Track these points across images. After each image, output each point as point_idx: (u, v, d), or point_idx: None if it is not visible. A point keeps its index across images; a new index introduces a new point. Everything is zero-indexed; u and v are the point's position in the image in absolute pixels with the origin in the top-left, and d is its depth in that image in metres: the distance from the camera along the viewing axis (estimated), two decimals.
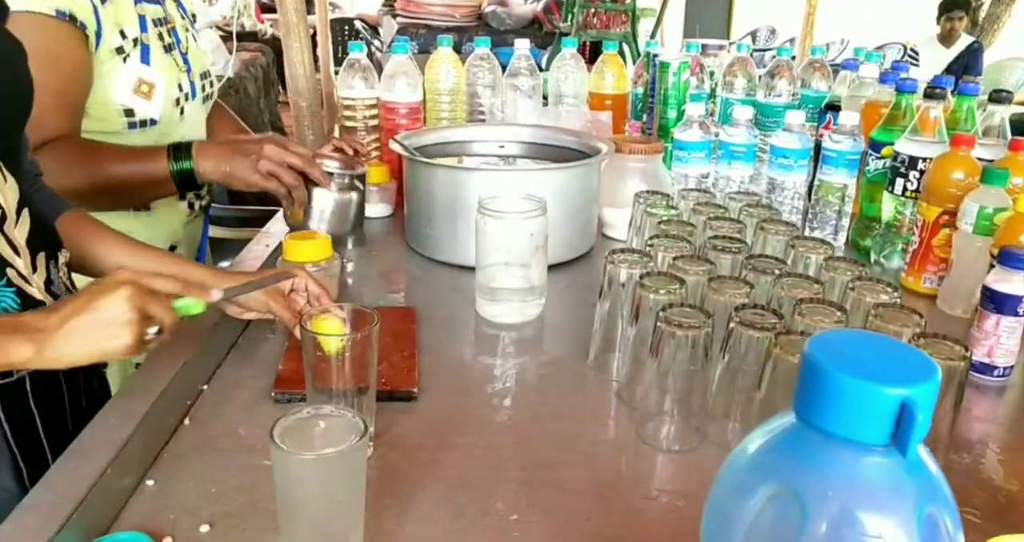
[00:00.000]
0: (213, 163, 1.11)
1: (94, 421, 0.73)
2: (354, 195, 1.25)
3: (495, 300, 1.05)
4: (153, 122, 1.16)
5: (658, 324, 0.77)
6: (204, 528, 0.65)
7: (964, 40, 4.97)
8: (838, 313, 0.78)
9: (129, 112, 1.13)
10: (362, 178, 1.28)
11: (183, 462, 0.74)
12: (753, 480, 0.34)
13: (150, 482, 0.71)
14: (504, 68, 1.63)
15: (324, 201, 1.22)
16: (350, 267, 1.21)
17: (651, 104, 1.53)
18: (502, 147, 1.39)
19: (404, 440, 0.78)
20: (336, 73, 2.43)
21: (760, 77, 1.57)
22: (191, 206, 1.31)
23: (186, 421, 0.80)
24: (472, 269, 1.09)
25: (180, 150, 1.10)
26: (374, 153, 1.50)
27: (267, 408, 0.83)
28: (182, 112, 1.22)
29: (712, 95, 1.64)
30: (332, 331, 0.73)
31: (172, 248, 1.26)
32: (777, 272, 0.88)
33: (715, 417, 0.81)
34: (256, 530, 0.65)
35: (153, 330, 0.70)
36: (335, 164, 1.22)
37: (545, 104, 1.65)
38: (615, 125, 1.58)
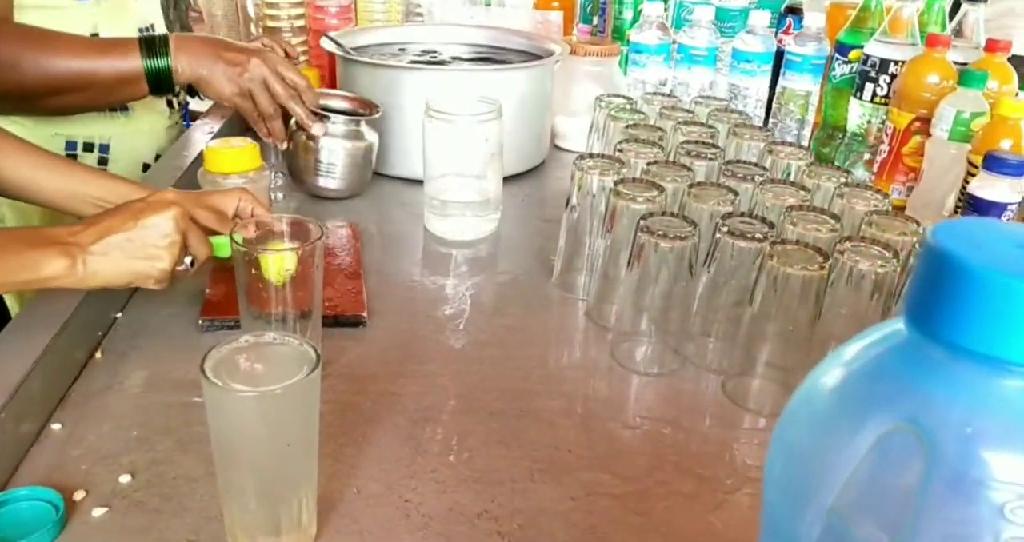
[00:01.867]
0: (192, 63, 0.94)
1: None
2: (369, 143, 1.05)
3: (446, 215, 0.95)
4: (153, 28, 1.00)
5: (639, 235, 0.68)
6: (124, 478, 0.55)
7: None
8: (831, 221, 0.72)
9: (94, 35, 0.96)
10: (375, 123, 1.06)
11: (95, 402, 0.63)
12: (853, 414, 0.26)
13: (56, 426, 0.60)
14: None
15: (333, 152, 1.01)
16: (279, 180, 1.09)
17: (603, 4, 1.42)
18: (440, 51, 1.26)
19: (355, 370, 0.69)
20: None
21: None
22: (170, 104, 1.14)
23: (97, 354, 0.69)
24: (419, 182, 0.98)
25: (154, 44, 0.92)
26: (302, 57, 1.35)
27: (193, 338, 0.73)
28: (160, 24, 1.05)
29: None
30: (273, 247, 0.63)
31: (157, 158, 1.10)
32: (759, 179, 0.81)
33: (693, 336, 0.74)
34: (187, 479, 0.56)
35: (188, 260, 0.67)
36: (344, 104, 1.04)
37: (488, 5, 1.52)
38: (564, 28, 1.46)
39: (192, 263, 0.68)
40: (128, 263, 0.63)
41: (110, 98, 0.97)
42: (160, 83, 0.93)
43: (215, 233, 0.69)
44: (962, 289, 0.24)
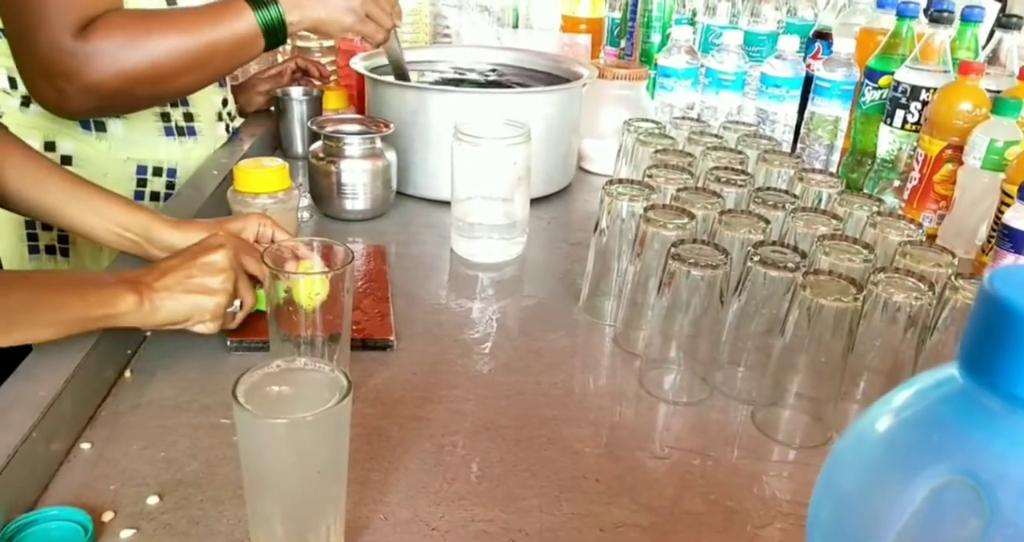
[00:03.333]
0: (303, 8, 0.93)
1: (14, 375, 0.61)
2: (388, 161, 1.04)
3: (472, 237, 0.95)
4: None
5: (670, 262, 0.68)
6: (152, 500, 0.55)
7: None
8: (865, 251, 0.71)
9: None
10: (392, 141, 1.07)
11: (124, 422, 0.64)
12: (905, 464, 0.25)
13: (85, 446, 0.60)
14: None
15: (353, 173, 1.02)
16: (305, 201, 1.09)
17: (631, 28, 1.42)
18: (465, 72, 1.27)
19: (382, 394, 0.69)
20: None
21: (744, 2, 1.47)
22: (227, 128, 1.16)
23: (126, 374, 0.70)
24: (446, 203, 0.98)
25: None
26: (332, 77, 1.37)
27: (221, 358, 0.73)
28: None
29: (693, 21, 1.53)
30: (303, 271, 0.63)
31: None
32: (790, 207, 0.80)
33: (722, 365, 0.73)
34: (214, 501, 0.56)
35: (236, 304, 0.70)
36: (356, 126, 1.04)
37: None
38: (591, 51, 1.47)
39: (240, 306, 0.71)
40: (188, 298, 0.66)
41: (232, 64, 0.95)
42: (276, 35, 0.92)
43: (258, 282, 0.72)
44: (1022, 338, 0.24)
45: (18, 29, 0.83)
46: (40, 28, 0.81)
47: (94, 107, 0.89)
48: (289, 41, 1.42)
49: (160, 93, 0.93)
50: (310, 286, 0.61)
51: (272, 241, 0.79)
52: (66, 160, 0.99)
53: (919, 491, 0.25)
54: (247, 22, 0.89)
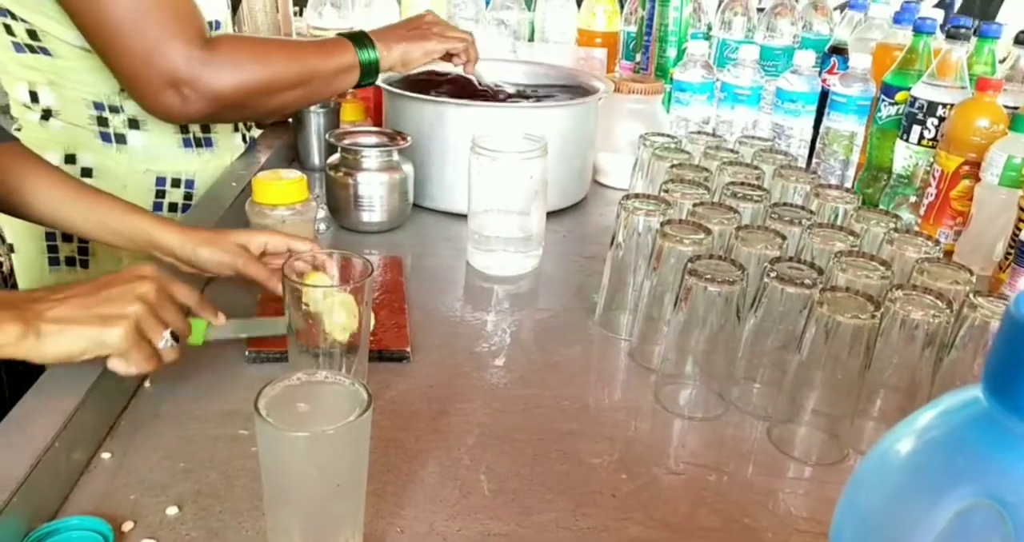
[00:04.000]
0: (392, 43, 1.04)
1: (36, 386, 0.62)
2: (404, 174, 1.06)
3: (489, 250, 0.96)
4: (218, 25, 1.04)
5: (686, 278, 0.68)
6: (172, 510, 0.56)
7: None
8: (881, 268, 0.71)
9: None
10: (408, 153, 1.08)
11: (143, 432, 0.64)
12: (930, 487, 0.25)
13: (105, 455, 0.61)
14: (488, 3, 1.51)
15: (370, 185, 1.03)
16: (322, 213, 1.10)
17: (647, 42, 1.43)
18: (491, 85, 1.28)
19: (399, 406, 0.69)
20: (296, 13, 2.28)
21: (759, 16, 1.47)
22: (244, 139, 1.19)
23: (146, 384, 0.70)
24: (462, 216, 0.99)
25: (358, 39, 1.02)
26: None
27: (240, 369, 0.73)
28: (228, 20, 1.10)
29: (708, 35, 1.54)
30: (320, 283, 0.64)
31: None
32: (806, 223, 0.80)
33: (738, 381, 0.73)
34: (233, 512, 0.56)
35: (166, 335, 0.62)
36: (373, 139, 1.07)
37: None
38: (607, 65, 1.47)
39: (176, 339, 0.64)
40: (81, 330, 0.58)
41: (325, 91, 1.05)
42: (370, 71, 1.03)
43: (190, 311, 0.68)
44: None
45: (138, 46, 0.87)
46: (168, 41, 0.87)
47: (211, 114, 0.94)
48: None
49: (267, 106, 0.99)
50: (332, 308, 0.62)
51: (289, 252, 0.80)
52: (86, 172, 1.01)
53: (944, 514, 0.25)
54: (350, 58, 1.01)
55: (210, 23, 1.01)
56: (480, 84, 1.15)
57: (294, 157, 1.31)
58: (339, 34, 1.03)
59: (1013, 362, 0.25)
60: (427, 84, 1.16)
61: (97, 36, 0.89)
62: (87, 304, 0.59)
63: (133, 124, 1.01)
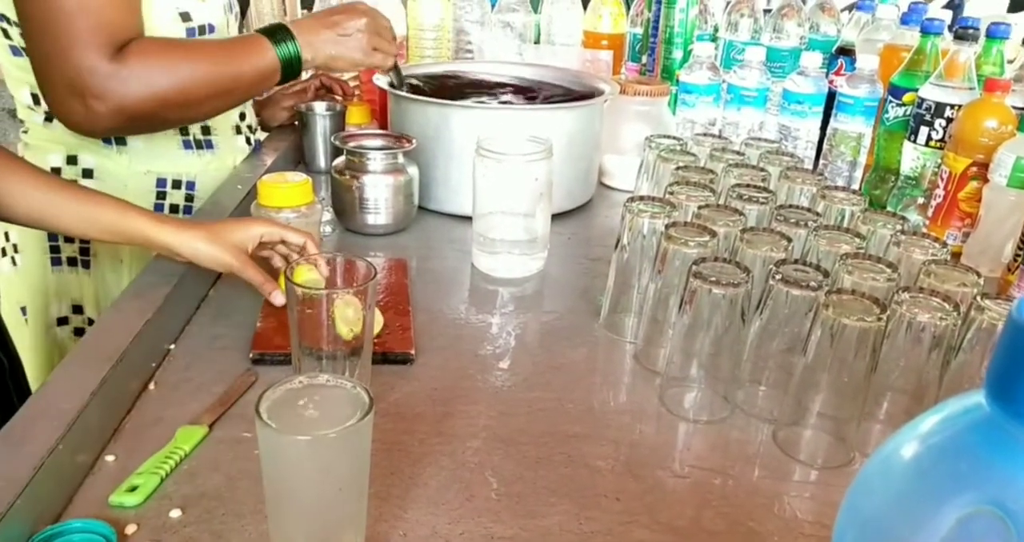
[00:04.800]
0: (317, 45, 0.99)
1: (41, 388, 0.62)
2: (409, 176, 1.05)
3: (493, 252, 0.96)
4: (212, 28, 1.02)
5: (691, 280, 0.68)
6: (175, 513, 0.56)
7: None
8: (888, 270, 0.70)
9: (186, 16, 0.99)
10: (413, 156, 1.08)
11: (148, 434, 0.64)
12: (932, 493, 0.25)
13: (110, 458, 0.61)
14: (493, 6, 1.51)
15: (376, 188, 1.03)
16: (328, 215, 1.10)
17: (653, 44, 1.43)
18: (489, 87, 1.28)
19: (403, 409, 0.69)
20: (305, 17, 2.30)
21: (766, 18, 1.47)
22: (248, 141, 1.19)
23: (151, 386, 0.70)
24: (467, 218, 0.99)
25: (276, 34, 0.97)
26: (356, 92, 1.38)
27: (245, 371, 0.73)
28: (228, 23, 1.08)
29: (714, 37, 1.53)
30: (309, 278, 0.64)
31: None
32: (812, 225, 0.80)
33: (743, 383, 0.73)
34: (236, 515, 0.56)
35: None
36: (379, 141, 1.06)
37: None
38: (612, 66, 1.47)
39: None
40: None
41: (250, 93, 1.03)
42: (292, 69, 0.98)
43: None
44: None
45: (46, 49, 0.85)
46: (72, 48, 0.83)
47: (119, 127, 0.91)
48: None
49: (185, 117, 0.98)
50: (343, 311, 0.62)
51: (283, 243, 0.81)
52: (87, 173, 1.01)
53: (946, 520, 0.24)
54: (268, 56, 0.96)
55: (202, 27, 1.01)
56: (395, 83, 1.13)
57: (300, 160, 1.31)
58: (258, 30, 0.98)
59: (1016, 367, 0.24)
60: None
61: (25, 35, 0.88)
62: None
63: None
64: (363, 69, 1.07)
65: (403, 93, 1.11)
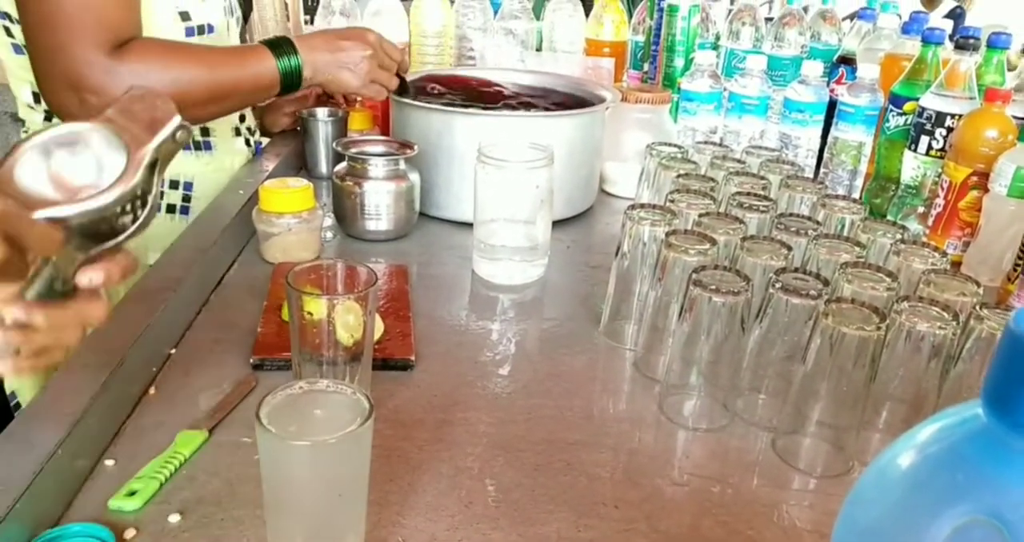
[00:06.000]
0: (319, 66, 1.00)
1: (42, 392, 0.62)
2: (411, 183, 1.05)
3: (494, 259, 0.96)
4: (211, 29, 1.03)
5: (691, 288, 0.68)
6: (174, 518, 0.56)
7: (947, 4, 4.91)
8: (887, 280, 0.71)
9: (185, 15, 0.99)
10: (415, 162, 1.07)
11: (148, 439, 0.64)
12: (928, 503, 0.25)
13: (109, 462, 0.61)
14: (496, 12, 1.52)
15: (377, 194, 1.02)
16: (329, 221, 1.10)
17: (654, 52, 1.43)
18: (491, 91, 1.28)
19: (402, 415, 0.69)
20: (307, 22, 2.30)
21: (768, 26, 1.47)
22: (247, 143, 1.19)
23: (151, 391, 0.71)
24: (468, 225, 0.99)
25: (280, 46, 0.97)
26: (358, 99, 1.38)
27: (245, 376, 0.73)
28: (228, 25, 1.08)
29: (716, 45, 1.54)
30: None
31: None
32: (812, 233, 0.80)
33: (743, 392, 0.73)
34: (235, 520, 0.56)
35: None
36: (380, 147, 1.06)
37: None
38: (614, 74, 1.47)
39: None
40: None
41: (245, 102, 1.03)
42: (291, 83, 0.99)
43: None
44: None
45: (46, 42, 0.85)
46: (72, 42, 0.84)
47: None
48: None
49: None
50: (343, 317, 0.62)
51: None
52: None
53: (942, 530, 0.25)
54: (269, 68, 0.96)
55: (201, 27, 1.01)
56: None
57: (301, 165, 1.31)
58: (262, 41, 0.98)
59: (1013, 378, 0.24)
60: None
61: (23, 29, 0.88)
62: None
63: None
64: (360, 96, 1.09)
65: (405, 99, 1.11)
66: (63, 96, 0.87)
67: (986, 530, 0.24)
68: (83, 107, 0.87)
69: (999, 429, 0.25)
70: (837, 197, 0.90)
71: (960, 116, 1.07)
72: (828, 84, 1.37)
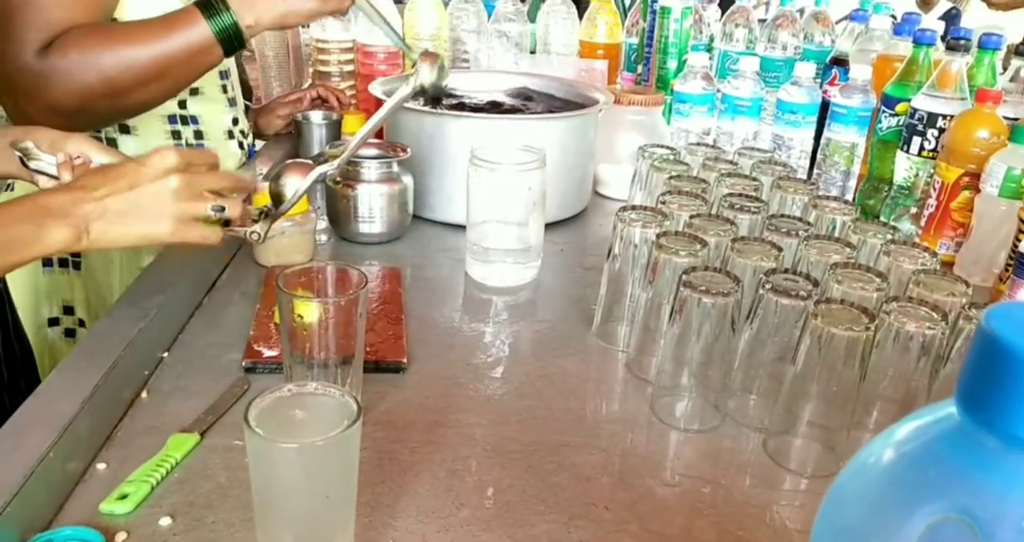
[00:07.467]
0: (259, 8, 0.89)
1: (33, 396, 0.62)
2: (404, 185, 1.05)
3: (487, 261, 0.96)
4: None
5: (681, 290, 0.68)
6: (165, 521, 0.56)
7: (943, 6, 4.93)
8: (877, 280, 0.71)
9: None
10: (408, 165, 1.07)
11: (139, 443, 0.64)
12: (903, 500, 0.25)
13: (101, 466, 0.61)
14: (490, 15, 1.52)
15: (371, 197, 1.03)
16: (322, 224, 1.10)
17: (647, 54, 1.43)
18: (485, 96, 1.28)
19: (394, 417, 0.70)
20: (303, 25, 2.31)
21: (761, 28, 1.48)
22: (240, 146, 1.17)
23: (143, 394, 0.71)
24: (461, 227, 0.99)
25: (209, 6, 0.87)
26: (352, 101, 1.39)
27: (237, 379, 0.74)
28: None
29: (710, 47, 1.54)
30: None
31: None
32: (803, 234, 0.80)
33: (734, 392, 0.73)
34: (225, 523, 0.56)
35: (213, 208, 0.68)
36: (374, 150, 1.06)
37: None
38: (608, 76, 1.48)
39: (222, 210, 0.69)
40: (130, 229, 0.65)
41: (190, 75, 0.93)
42: (232, 41, 0.89)
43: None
44: (1018, 378, 0.24)
45: None
46: (7, 47, 0.82)
47: (57, 124, 0.84)
48: (308, 66, 1.45)
49: (119, 108, 0.91)
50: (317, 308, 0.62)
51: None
52: None
53: (916, 527, 0.25)
54: (200, 31, 0.87)
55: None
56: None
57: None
58: (194, 3, 0.88)
59: (985, 377, 0.25)
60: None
61: None
62: (126, 206, 0.64)
63: (124, 129, 1.01)
64: (324, 16, 0.95)
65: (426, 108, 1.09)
66: (6, 102, 0.86)
67: (959, 527, 0.24)
68: (20, 114, 0.85)
69: (972, 428, 0.25)
70: (828, 198, 0.91)
71: (952, 117, 1.08)
72: (821, 85, 1.38)
